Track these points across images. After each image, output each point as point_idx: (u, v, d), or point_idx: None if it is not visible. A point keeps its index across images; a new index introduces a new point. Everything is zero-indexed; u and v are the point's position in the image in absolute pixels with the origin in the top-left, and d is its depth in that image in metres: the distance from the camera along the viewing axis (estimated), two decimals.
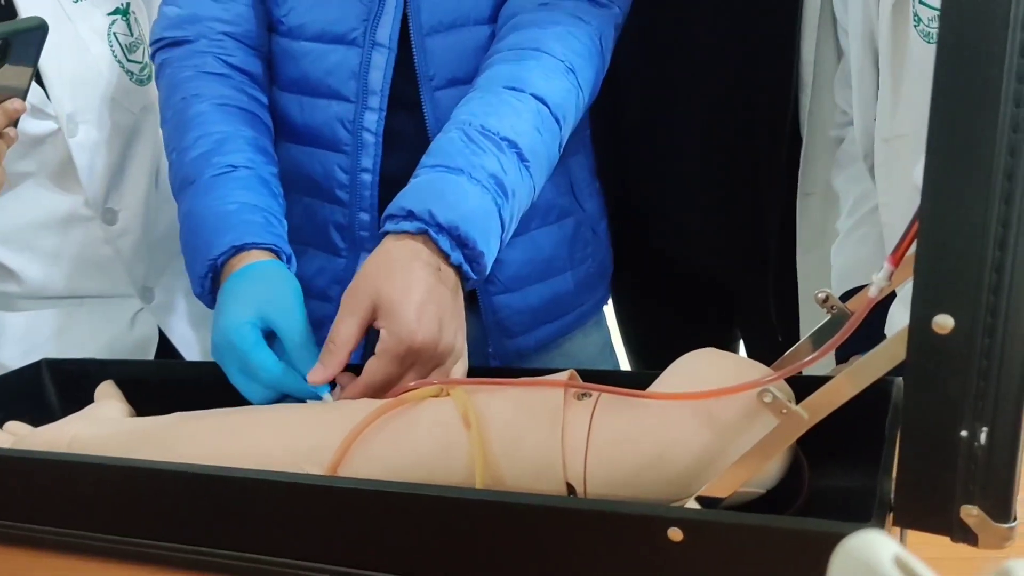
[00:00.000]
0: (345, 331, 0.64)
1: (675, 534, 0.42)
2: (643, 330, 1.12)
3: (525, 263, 0.87)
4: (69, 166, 0.94)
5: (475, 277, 0.68)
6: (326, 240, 0.87)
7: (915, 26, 0.69)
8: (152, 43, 0.88)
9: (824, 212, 0.94)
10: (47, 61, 0.86)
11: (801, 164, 0.93)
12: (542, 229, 0.88)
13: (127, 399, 0.78)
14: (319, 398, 0.67)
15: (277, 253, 0.75)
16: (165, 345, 1.04)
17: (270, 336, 0.70)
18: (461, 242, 0.66)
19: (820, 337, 0.55)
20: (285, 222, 0.80)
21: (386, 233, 0.67)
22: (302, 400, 0.68)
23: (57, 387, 0.85)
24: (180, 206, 0.80)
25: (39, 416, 0.82)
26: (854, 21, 0.79)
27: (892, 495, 0.41)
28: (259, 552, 0.54)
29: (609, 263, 0.98)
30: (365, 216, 0.84)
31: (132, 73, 1.00)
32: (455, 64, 0.81)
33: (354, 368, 0.67)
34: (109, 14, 0.98)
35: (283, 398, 0.69)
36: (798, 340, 0.55)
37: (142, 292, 1.03)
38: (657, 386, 0.53)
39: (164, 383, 0.80)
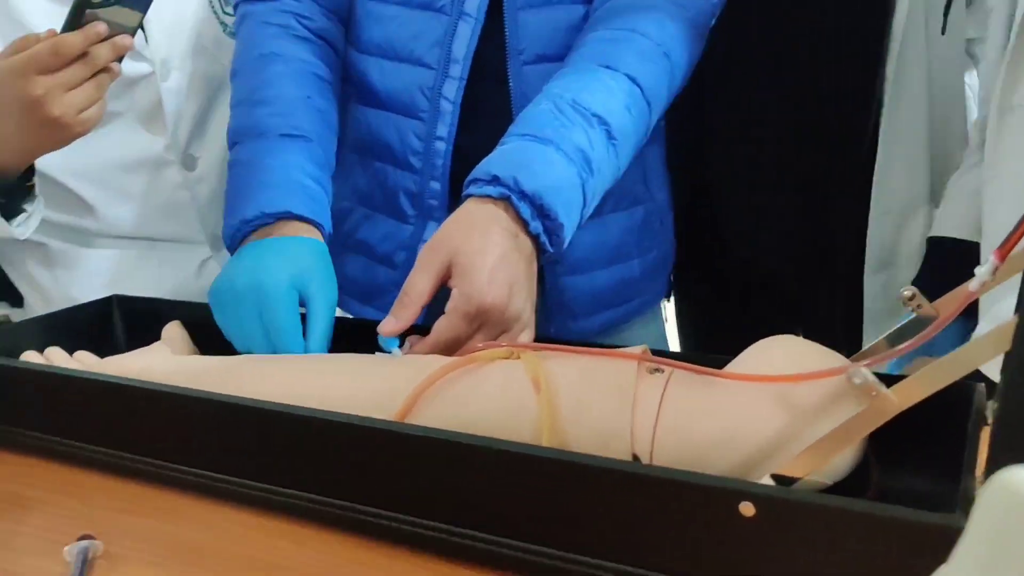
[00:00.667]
0: (419, 285, 0.65)
1: (747, 509, 0.42)
2: (703, 327, 1.11)
3: (595, 246, 0.87)
4: (157, 110, 0.97)
5: (551, 249, 0.68)
6: (395, 206, 0.88)
7: None
8: None
9: (897, 232, 0.93)
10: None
11: (875, 181, 0.91)
12: (614, 214, 0.88)
13: (195, 341, 0.80)
14: None
15: (320, 231, 0.78)
16: None
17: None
18: (543, 212, 0.66)
19: (900, 336, 0.54)
20: (331, 193, 0.82)
21: (469, 196, 0.68)
22: None
23: (125, 323, 0.88)
24: (240, 151, 0.82)
25: (105, 350, 0.84)
26: None
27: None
28: (322, 493, 0.55)
29: (671, 255, 0.98)
30: (436, 185, 0.85)
31: (226, 25, 1.02)
32: (546, 40, 0.82)
33: (420, 330, 0.68)
34: None
35: None
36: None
37: (212, 241, 1.04)
38: (734, 368, 0.53)
39: None
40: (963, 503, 0.41)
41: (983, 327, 0.69)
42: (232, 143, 0.83)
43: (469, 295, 0.63)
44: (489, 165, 0.68)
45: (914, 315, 0.52)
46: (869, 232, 0.93)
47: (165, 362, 0.75)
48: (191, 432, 0.61)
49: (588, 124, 0.70)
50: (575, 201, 0.68)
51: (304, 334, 0.71)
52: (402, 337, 0.68)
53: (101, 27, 0.72)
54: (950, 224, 0.86)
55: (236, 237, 0.78)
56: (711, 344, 1.10)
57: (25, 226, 0.86)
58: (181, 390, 0.61)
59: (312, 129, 0.81)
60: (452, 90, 0.82)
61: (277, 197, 0.76)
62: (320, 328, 0.71)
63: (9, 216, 0.84)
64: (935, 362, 0.41)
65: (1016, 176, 0.72)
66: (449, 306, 0.64)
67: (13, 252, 1.01)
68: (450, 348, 0.65)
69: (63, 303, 0.91)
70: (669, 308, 1.14)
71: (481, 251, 0.64)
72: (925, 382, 0.41)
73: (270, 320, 0.70)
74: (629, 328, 0.93)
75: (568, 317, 0.88)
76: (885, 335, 0.54)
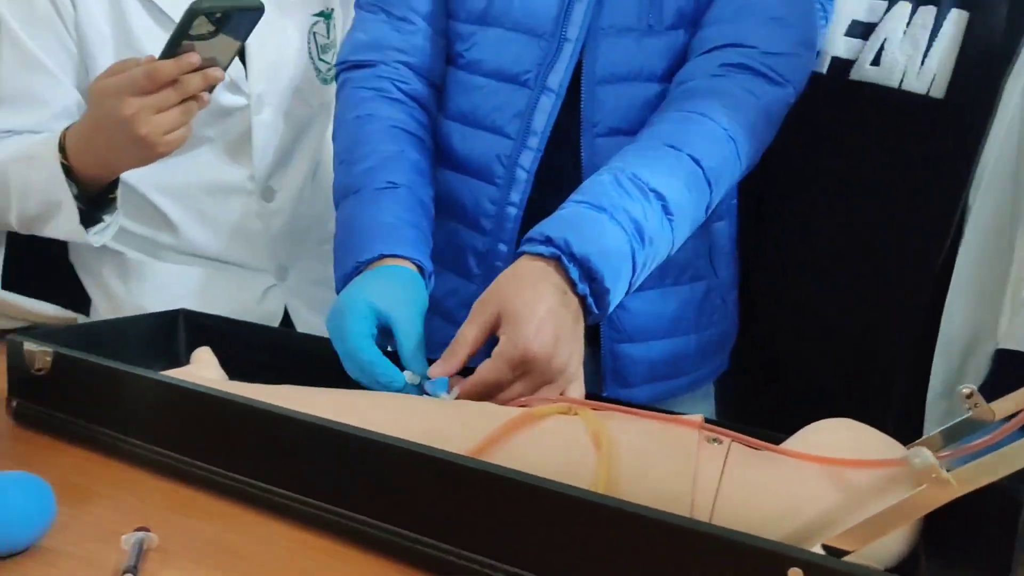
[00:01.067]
0: (469, 334, 0.68)
1: (796, 575, 0.43)
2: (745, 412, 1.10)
3: (652, 316, 0.89)
4: (246, 141, 1.02)
5: (597, 312, 0.70)
6: (462, 264, 0.91)
7: None
8: (337, 64, 0.94)
9: (963, 361, 0.90)
10: (253, 42, 0.94)
11: (946, 310, 0.89)
12: (675, 287, 0.90)
13: (249, 361, 0.82)
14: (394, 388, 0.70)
15: (420, 268, 0.79)
16: (287, 325, 1.09)
17: (386, 333, 0.74)
18: (590, 275, 0.69)
19: (953, 433, 0.55)
20: (431, 242, 0.84)
21: (522, 253, 0.71)
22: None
23: (188, 336, 0.90)
24: (340, 211, 0.85)
25: (167, 359, 0.87)
26: None
27: None
28: (371, 516, 0.56)
29: (733, 333, 0.98)
30: (504, 247, 0.88)
31: (319, 71, 1.08)
32: (620, 114, 0.85)
33: (468, 373, 0.70)
34: (314, 15, 1.07)
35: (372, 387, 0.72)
36: None
37: (278, 270, 1.08)
38: (791, 446, 0.54)
39: (286, 352, 0.85)
40: None
41: None
42: (336, 203, 0.87)
43: (515, 341, 0.65)
44: (544, 227, 0.71)
45: (970, 413, 0.54)
46: (935, 360, 0.90)
47: (217, 382, 0.76)
48: (243, 441, 0.63)
49: (645, 198, 0.73)
50: (624, 269, 0.71)
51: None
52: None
53: (194, 58, 0.77)
54: (1020, 337, 0.85)
55: (341, 289, 0.80)
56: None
57: (101, 235, 0.90)
58: (238, 398, 0.63)
59: (404, 179, 0.84)
60: (528, 160, 0.85)
61: (368, 244, 0.79)
62: (406, 344, 0.72)
63: (88, 224, 0.88)
64: (998, 451, 0.42)
65: None
66: (496, 351, 0.66)
67: (90, 257, 1.05)
68: (490, 391, 0.67)
69: (131, 312, 0.95)
70: None
71: (530, 302, 0.67)
72: (985, 469, 0.42)
73: (342, 330, 0.72)
74: (680, 403, 0.94)
75: (619, 385, 0.89)
76: (940, 429, 0.56)
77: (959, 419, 0.55)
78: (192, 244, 1.03)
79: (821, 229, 0.96)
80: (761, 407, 1.05)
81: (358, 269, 0.78)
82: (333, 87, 1.11)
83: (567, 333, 0.68)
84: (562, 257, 0.68)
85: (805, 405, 0.96)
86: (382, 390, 0.71)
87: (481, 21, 0.88)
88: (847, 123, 0.94)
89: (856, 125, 0.93)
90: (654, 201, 0.73)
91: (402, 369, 0.72)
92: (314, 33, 1.06)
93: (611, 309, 0.72)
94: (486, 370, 0.66)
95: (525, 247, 0.71)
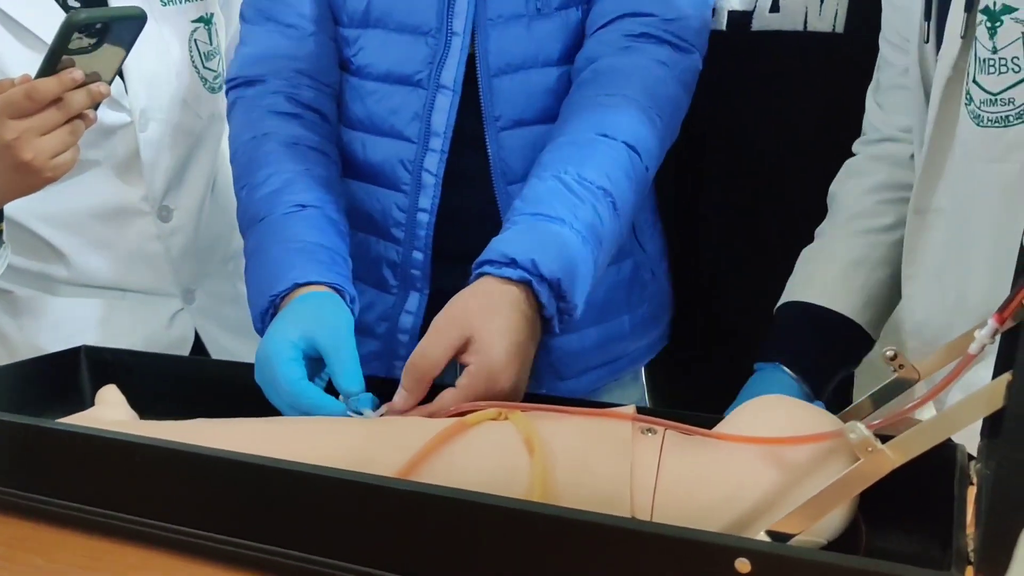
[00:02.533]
0: (434, 356, 0.64)
1: (743, 565, 0.42)
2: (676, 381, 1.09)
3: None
4: (135, 160, 0.96)
5: (557, 331, 0.69)
6: (378, 277, 0.88)
7: (966, 105, 0.69)
8: (227, 81, 0.90)
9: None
10: (131, 55, 0.89)
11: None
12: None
13: (160, 394, 0.77)
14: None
15: (340, 292, 0.75)
16: (199, 350, 1.04)
17: (318, 363, 0.70)
18: (559, 295, 0.67)
19: (881, 396, 0.55)
20: (350, 261, 0.80)
21: (484, 274, 0.67)
22: None
23: (92, 375, 0.85)
24: (247, 242, 0.81)
25: (72, 401, 0.82)
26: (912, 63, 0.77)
27: (971, 548, 0.41)
28: (297, 548, 0.53)
29: (668, 305, 0.97)
30: (419, 255, 0.85)
31: (206, 80, 1.03)
32: (522, 105, 0.83)
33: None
34: (193, 21, 1.01)
35: None
36: None
37: (184, 293, 1.03)
38: (724, 428, 0.53)
39: (199, 382, 0.80)
40: (957, 559, 0.41)
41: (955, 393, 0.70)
42: (242, 232, 0.82)
43: (488, 373, 0.63)
44: (503, 246, 0.68)
45: (895, 375, 0.53)
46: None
47: (126, 423, 0.72)
48: (156, 485, 0.59)
49: (595, 199, 0.71)
50: (587, 279, 0.69)
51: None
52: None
53: (77, 74, 0.73)
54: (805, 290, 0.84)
55: (263, 330, 0.75)
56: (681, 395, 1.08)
57: None
58: (145, 440, 0.59)
59: (311, 198, 0.80)
60: (434, 163, 0.83)
61: (280, 275, 0.74)
62: (338, 367, 0.68)
63: None
64: (930, 419, 0.42)
65: (933, 274, 0.75)
66: (463, 381, 0.64)
67: None
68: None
69: (28, 353, 0.89)
70: None
71: (504, 332, 0.64)
72: (921, 438, 0.42)
73: (276, 382, 0.67)
74: (612, 389, 0.93)
75: (556, 378, 0.88)
76: (869, 394, 0.55)
77: (885, 382, 0.55)
78: (87, 275, 0.97)
79: (747, 188, 0.95)
80: (706, 382, 1.03)
81: (274, 304, 0.74)
82: (222, 96, 1.06)
83: (527, 361, 0.67)
84: (532, 281, 0.66)
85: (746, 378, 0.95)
86: None
87: (363, 24, 0.85)
88: (757, 75, 0.93)
89: (766, 75, 0.92)
90: (603, 200, 0.72)
91: (336, 396, 0.68)
92: (195, 40, 1.01)
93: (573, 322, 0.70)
94: (448, 400, 0.63)
95: (487, 268, 0.67)
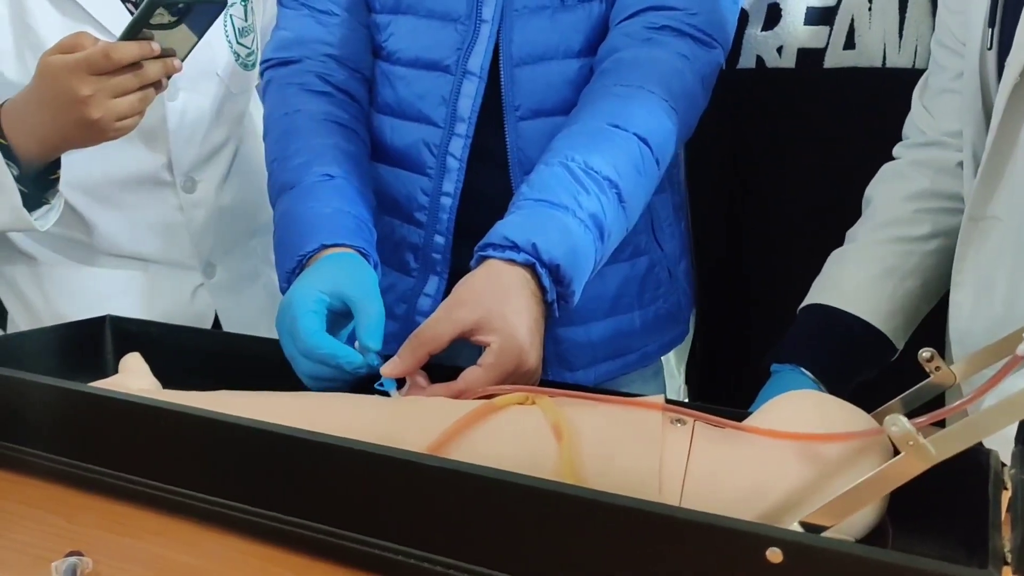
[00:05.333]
0: (436, 333, 0.65)
1: (774, 555, 0.41)
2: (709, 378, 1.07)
3: (591, 297, 0.86)
4: (162, 129, 0.97)
5: (556, 316, 0.69)
6: (400, 259, 0.89)
7: None
8: (262, 63, 0.92)
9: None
10: None
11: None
12: (612, 265, 0.87)
13: (184, 367, 0.78)
14: (359, 373, 0.67)
15: (365, 255, 0.76)
16: (218, 327, 1.04)
17: (338, 320, 0.71)
18: (558, 280, 0.67)
19: (914, 398, 0.55)
20: (375, 231, 0.81)
21: (488, 258, 0.68)
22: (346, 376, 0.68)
23: (116, 344, 0.85)
24: (277, 209, 0.82)
25: (94, 370, 0.82)
26: (969, 71, 0.75)
27: (1007, 549, 0.41)
28: (318, 520, 0.53)
29: (686, 305, 0.96)
30: (440, 239, 0.86)
31: (238, 55, 1.03)
32: (541, 95, 0.83)
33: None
34: None
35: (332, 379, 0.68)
36: None
37: (205, 267, 1.03)
38: (755, 422, 0.53)
39: (224, 356, 0.81)
40: (994, 560, 0.41)
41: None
42: (272, 203, 0.84)
43: (513, 352, 0.63)
44: (506, 230, 0.68)
45: (931, 378, 0.53)
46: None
47: (150, 392, 0.72)
48: (181, 451, 0.59)
49: (600, 189, 0.71)
50: (588, 269, 0.69)
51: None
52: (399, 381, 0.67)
53: (155, 45, 0.74)
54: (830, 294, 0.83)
55: (288, 287, 0.76)
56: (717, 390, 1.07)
57: (45, 219, 0.85)
58: (172, 406, 0.59)
59: (339, 170, 0.81)
60: (458, 147, 0.83)
61: (308, 237, 0.76)
62: (365, 323, 0.68)
63: (31, 208, 0.83)
64: (973, 416, 0.42)
65: (983, 283, 0.74)
66: (488, 360, 0.64)
67: (3, 266, 0.98)
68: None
69: (51, 322, 0.89)
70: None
71: (519, 313, 0.65)
72: (963, 435, 0.42)
73: (296, 332, 0.68)
74: (629, 381, 0.93)
75: (564, 368, 0.88)
76: (900, 396, 0.55)
77: (920, 384, 0.55)
78: (110, 242, 0.98)
79: (812, 226, 0.93)
80: (734, 385, 1.02)
81: (301, 264, 0.75)
82: (255, 73, 1.07)
83: (541, 343, 0.67)
84: (536, 264, 0.67)
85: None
86: (344, 376, 0.67)
87: (395, 10, 0.87)
88: (830, 113, 0.91)
89: (840, 113, 0.91)
90: (609, 191, 0.72)
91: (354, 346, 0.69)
92: (231, 16, 1.01)
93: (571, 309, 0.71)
94: (473, 379, 0.64)
95: (490, 252, 0.68)
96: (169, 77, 0.77)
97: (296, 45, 0.89)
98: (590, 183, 0.71)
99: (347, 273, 0.72)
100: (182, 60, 0.78)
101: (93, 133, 0.76)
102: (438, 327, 0.65)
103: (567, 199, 0.69)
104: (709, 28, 0.81)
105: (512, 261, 0.67)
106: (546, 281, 0.67)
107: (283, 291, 0.76)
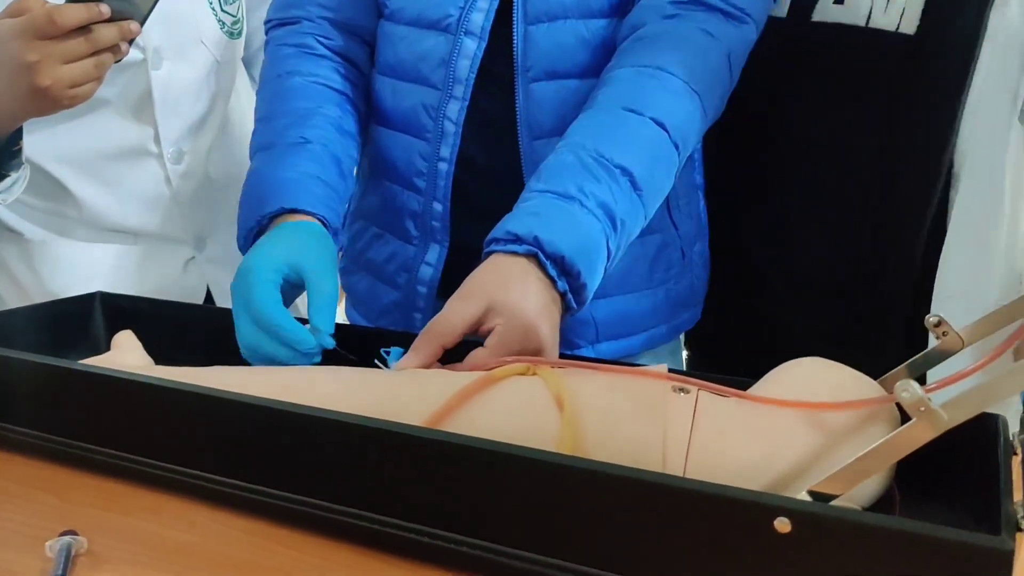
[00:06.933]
0: (447, 325, 0.63)
1: (783, 525, 0.40)
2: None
3: None
4: (147, 99, 0.94)
5: (575, 307, 0.67)
6: (401, 227, 0.87)
7: None
8: (265, 22, 0.91)
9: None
10: None
11: (940, 267, 0.82)
12: None
13: (176, 342, 0.77)
14: (306, 354, 0.67)
15: (324, 223, 0.76)
16: (210, 302, 1.03)
17: (298, 288, 0.71)
18: (567, 271, 0.66)
19: (920, 364, 0.54)
20: (345, 203, 0.80)
21: (492, 253, 0.66)
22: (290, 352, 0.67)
23: (107, 321, 0.84)
24: (252, 166, 0.81)
25: (85, 347, 0.81)
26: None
27: (1020, 515, 0.40)
28: (310, 495, 0.53)
29: (700, 288, 0.93)
30: (438, 206, 0.84)
31: (224, 23, 1.00)
32: (555, 56, 0.79)
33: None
34: None
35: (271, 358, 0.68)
36: None
37: (196, 241, 1.02)
38: (760, 390, 0.52)
39: (216, 331, 0.79)
40: (1007, 526, 0.40)
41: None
42: (250, 158, 0.83)
43: (523, 331, 0.62)
44: (509, 223, 0.67)
45: (938, 343, 0.52)
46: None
47: (142, 368, 0.71)
48: (174, 428, 0.58)
49: (611, 178, 0.69)
50: (600, 259, 0.67)
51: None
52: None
53: (104, 8, 0.71)
54: None
55: (246, 248, 0.76)
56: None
57: (8, 193, 0.82)
58: (165, 382, 0.58)
59: (316, 135, 0.80)
60: (455, 110, 0.81)
61: (270, 199, 0.76)
62: (318, 302, 0.68)
63: None
64: (986, 382, 0.41)
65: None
66: (492, 340, 0.63)
67: None
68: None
69: (41, 298, 0.87)
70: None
71: (524, 295, 0.64)
72: (976, 400, 0.41)
73: (249, 303, 0.67)
74: (641, 361, 0.89)
75: (566, 347, 0.85)
76: (907, 363, 0.54)
77: (926, 350, 0.54)
78: (98, 216, 0.95)
79: (793, 182, 0.91)
80: (740, 363, 1.00)
81: (260, 224, 0.75)
82: (241, 42, 1.04)
83: (556, 326, 0.66)
84: (539, 254, 0.65)
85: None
86: (289, 357, 0.67)
87: None
88: (811, 69, 0.88)
89: (821, 71, 0.87)
90: (621, 179, 0.69)
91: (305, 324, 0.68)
92: None
93: (589, 301, 0.69)
94: (482, 358, 0.62)
95: (493, 247, 0.66)
96: (130, 42, 0.74)
97: (295, 6, 0.88)
98: (600, 171, 0.69)
99: (307, 246, 0.72)
100: (141, 23, 0.74)
101: (45, 102, 0.72)
102: (452, 319, 0.64)
103: (573, 189, 0.67)
104: (741, 1, 0.77)
105: (514, 254, 0.66)
106: (552, 271, 0.65)
107: (241, 249, 0.77)
